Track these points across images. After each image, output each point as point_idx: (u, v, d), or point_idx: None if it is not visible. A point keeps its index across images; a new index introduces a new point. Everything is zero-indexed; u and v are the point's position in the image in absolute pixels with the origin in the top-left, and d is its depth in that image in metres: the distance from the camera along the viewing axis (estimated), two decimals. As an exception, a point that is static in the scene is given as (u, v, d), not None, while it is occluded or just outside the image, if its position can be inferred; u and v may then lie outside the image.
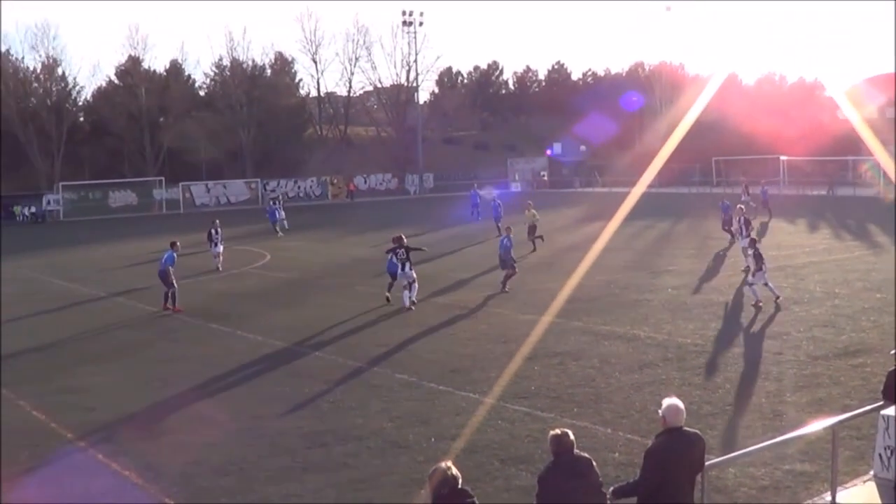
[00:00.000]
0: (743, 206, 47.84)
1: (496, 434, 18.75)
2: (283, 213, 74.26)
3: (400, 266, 34.87)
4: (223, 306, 36.50)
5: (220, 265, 47.61)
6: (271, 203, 77.14)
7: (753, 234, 38.24)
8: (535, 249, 49.65)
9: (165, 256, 36.53)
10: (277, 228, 69.20)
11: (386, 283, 35.98)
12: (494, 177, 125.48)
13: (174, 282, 35.99)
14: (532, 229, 51.43)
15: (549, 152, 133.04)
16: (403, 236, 35.86)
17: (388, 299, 35.35)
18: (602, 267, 42.00)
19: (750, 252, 33.22)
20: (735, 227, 45.47)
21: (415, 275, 34.99)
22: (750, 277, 32.87)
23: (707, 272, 40.40)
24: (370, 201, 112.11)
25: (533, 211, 51.92)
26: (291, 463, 17.47)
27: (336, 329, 31.18)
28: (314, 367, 25.46)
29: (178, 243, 38.33)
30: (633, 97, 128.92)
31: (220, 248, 48.23)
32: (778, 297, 31.79)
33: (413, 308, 34.10)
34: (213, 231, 47.59)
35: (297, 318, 33.13)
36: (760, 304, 31.42)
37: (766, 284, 32.13)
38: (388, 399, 21.78)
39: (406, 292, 34.63)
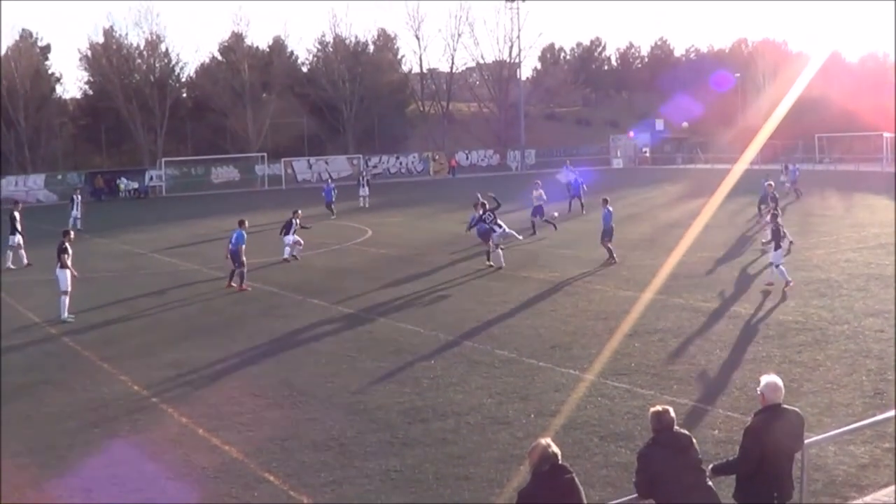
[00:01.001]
0: (772, 183, 47.83)
1: (596, 411, 18.78)
2: (367, 189, 73.87)
3: (496, 227, 37.75)
4: (325, 282, 36.75)
5: (291, 255, 43.25)
6: (329, 181, 73.34)
7: (776, 211, 37.35)
8: (534, 233, 48.63)
9: (235, 235, 36.04)
10: (333, 209, 65.30)
11: (485, 252, 38.59)
12: (596, 153, 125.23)
13: (244, 261, 35.88)
14: (538, 210, 50.25)
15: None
16: (486, 203, 39.07)
17: (490, 266, 37.76)
18: (703, 244, 41.80)
19: (770, 227, 32.62)
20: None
21: (507, 228, 38.53)
22: (771, 256, 32.03)
23: (808, 249, 39.89)
24: (472, 177, 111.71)
25: (541, 191, 51.23)
26: (391, 438, 17.63)
27: (436, 304, 31.36)
28: (414, 342, 25.61)
29: (247, 222, 37.68)
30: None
31: (294, 237, 43.49)
32: (788, 283, 30.93)
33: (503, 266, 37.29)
34: (294, 221, 43.38)
35: (397, 294, 33.34)
36: (770, 286, 31.17)
37: (777, 266, 31.35)
38: (488, 375, 21.88)
39: (500, 250, 37.85)
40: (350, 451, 17.02)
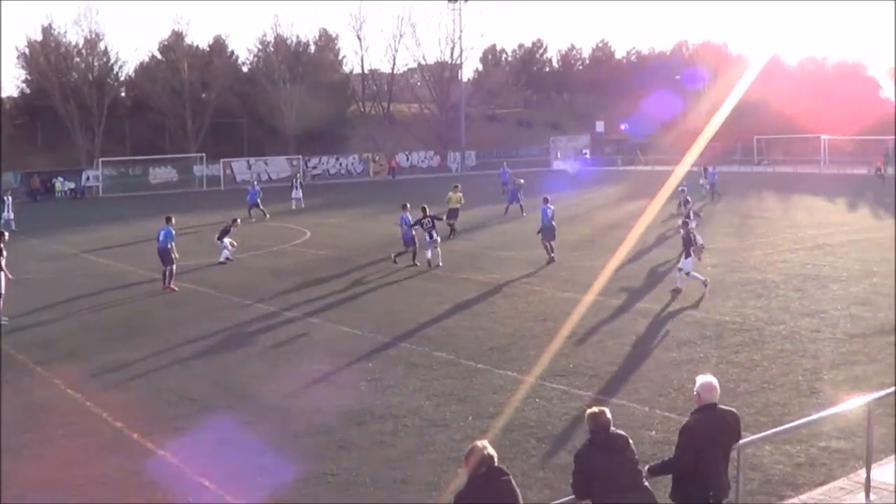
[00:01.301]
0: (685, 189, 48.01)
1: (533, 412, 18.77)
2: (300, 192, 73.28)
3: (427, 235, 38.54)
4: (262, 283, 36.49)
5: (226, 258, 42.47)
6: (254, 184, 71.58)
7: (687, 217, 36.79)
8: (451, 235, 48.11)
9: (163, 233, 35.64)
10: (251, 214, 62.91)
11: (398, 250, 39.77)
12: (537, 154, 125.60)
13: (175, 258, 35.60)
14: (453, 213, 49.46)
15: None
16: (425, 207, 40.11)
17: (394, 261, 39.28)
18: (641, 245, 42.05)
19: (682, 234, 32.48)
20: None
21: (439, 239, 39.22)
22: (681, 263, 31.72)
23: (745, 250, 40.21)
24: (412, 178, 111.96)
25: (459, 194, 50.69)
26: (328, 441, 17.54)
27: (374, 307, 31.24)
28: (352, 344, 25.50)
29: (174, 218, 37.17)
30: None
31: (227, 241, 42.76)
32: (706, 283, 30.69)
33: (441, 265, 38.21)
34: (231, 230, 43.02)
35: (335, 296, 33.23)
36: (680, 289, 31.07)
37: (688, 274, 31.09)
38: (426, 377, 21.83)
39: (435, 250, 38.86)
40: (286, 454, 16.89)
